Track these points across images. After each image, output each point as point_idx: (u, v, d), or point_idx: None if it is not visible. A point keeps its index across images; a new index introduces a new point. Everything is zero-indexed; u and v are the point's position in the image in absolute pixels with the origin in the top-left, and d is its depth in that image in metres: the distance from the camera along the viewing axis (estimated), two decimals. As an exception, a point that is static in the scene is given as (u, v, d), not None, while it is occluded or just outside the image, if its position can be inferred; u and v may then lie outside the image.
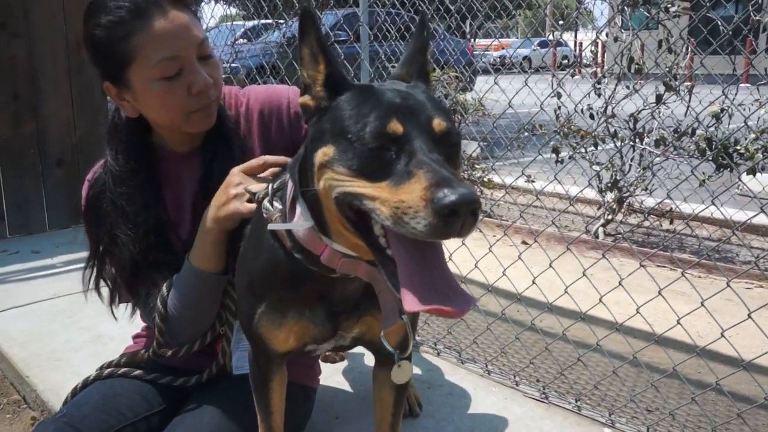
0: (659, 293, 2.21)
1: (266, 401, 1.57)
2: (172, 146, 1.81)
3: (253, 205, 1.54)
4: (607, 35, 4.77)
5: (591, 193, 4.79)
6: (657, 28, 4.16)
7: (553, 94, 3.78)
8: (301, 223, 1.27)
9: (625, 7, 3.88)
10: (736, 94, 3.57)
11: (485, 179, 5.23)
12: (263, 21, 7.49)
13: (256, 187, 1.54)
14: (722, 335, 2.03)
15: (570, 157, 3.84)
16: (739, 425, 2.15)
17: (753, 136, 3.73)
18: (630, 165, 4.51)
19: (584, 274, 2.41)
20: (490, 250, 2.68)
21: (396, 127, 1.06)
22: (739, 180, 3.06)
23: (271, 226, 1.35)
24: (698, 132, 3.95)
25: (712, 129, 3.84)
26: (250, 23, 8.62)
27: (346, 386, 2.45)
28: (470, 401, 2.34)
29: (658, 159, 4.27)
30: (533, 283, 2.55)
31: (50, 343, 2.88)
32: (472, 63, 6.41)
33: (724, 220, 4.21)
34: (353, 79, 1.26)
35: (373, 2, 4.58)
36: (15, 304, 3.34)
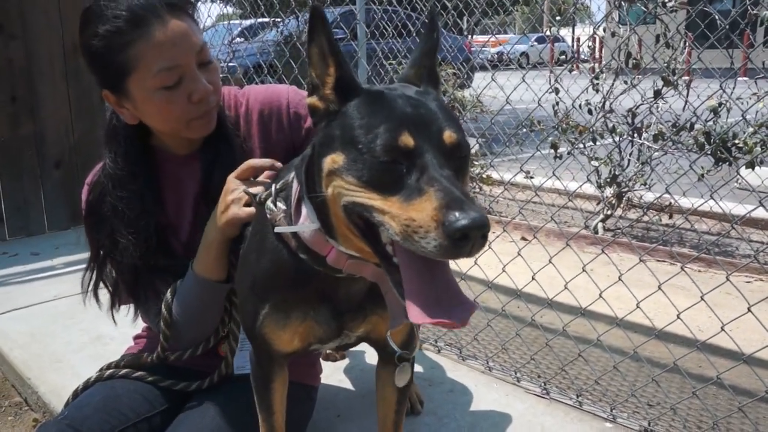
0: (659, 288, 2.21)
1: (268, 401, 1.57)
2: (173, 149, 1.80)
3: (252, 209, 1.54)
4: (604, 30, 4.77)
5: (590, 189, 4.78)
6: (654, 22, 4.16)
7: (551, 90, 3.77)
8: (307, 225, 1.27)
9: (623, 2, 3.88)
10: (734, 88, 3.57)
11: (484, 176, 5.22)
12: (260, 20, 7.47)
13: (255, 189, 1.53)
14: (722, 329, 2.03)
15: (569, 153, 3.85)
16: (740, 419, 2.15)
17: (751, 129, 3.73)
18: (629, 160, 4.51)
19: (584, 270, 2.42)
20: (490, 247, 2.66)
21: (407, 140, 1.05)
22: (738, 174, 3.06)
23: (278, 229, 1.34)
24: (696, 126, 3.95)
25: (711, 123, 3.85)
26: (247, 22, 8.60)
27: (347, 384, 2.45)
28: (471, 398, 2.34)
29: (656, 154, 4.27)
30: (533, 278, 2.55)
31: (51, 344, 2.88)
32: (470, 59, 6.40)
33: (723, 214, 4.22)
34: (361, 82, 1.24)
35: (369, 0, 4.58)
36: (15, 306, 3.34)
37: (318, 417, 2.09)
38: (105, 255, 1.78)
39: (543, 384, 2.40)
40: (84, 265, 1.84)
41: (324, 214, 1.20)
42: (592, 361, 2.53)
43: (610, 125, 4.37)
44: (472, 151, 5.32)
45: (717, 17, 2.28)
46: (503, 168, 3.73)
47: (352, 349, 2.58)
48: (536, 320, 2.61)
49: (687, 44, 4.26)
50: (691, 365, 2.48)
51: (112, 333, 2.85)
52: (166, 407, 1.79)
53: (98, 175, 1.79)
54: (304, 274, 1.35)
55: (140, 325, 2.03)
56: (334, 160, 1.12)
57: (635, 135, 4.34)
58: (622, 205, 4.62)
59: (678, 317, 2.15)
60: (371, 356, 2.54)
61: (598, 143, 4.49)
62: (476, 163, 5.28)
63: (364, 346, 2.24)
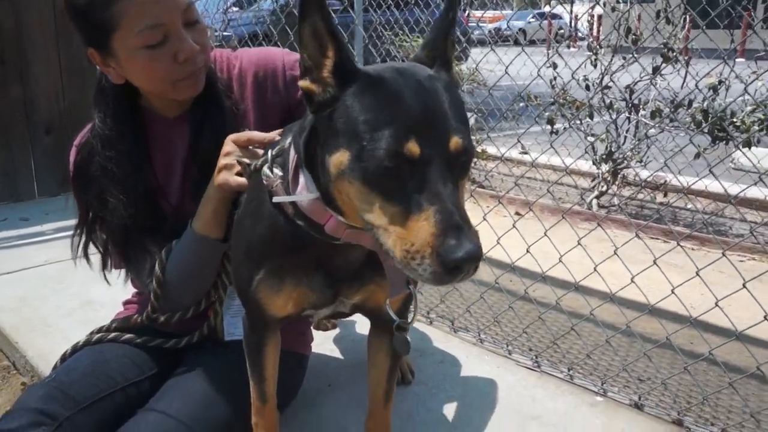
0: (654, 263, 2.20)
1: (260, 367, 1.56)
2: (161, 111, 1.78)
3: (243, 180, 1.52)
4: (604, 5, 4.72)
5: (585, 166, 4.77)
6: (653, 0, 4.12)
7: (548, 65, 3.74)
8: (305, 194, 1.24)
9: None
10: (733, 66, 3.55)
11: (480, 150, 5.20)
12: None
13: (248, 158, 1.51)
14: (716, 305, 2.02)
15: (565, 129, 3.83)
16: (730, 394, 2.15)
17: (749, 108, 3.71)
18: (625, 137, 4.49)
19: (579, 243, 2.40)
20: (485, 219, 2.66)
21: (413, 148, 1.01)
22: (737, 148, 3.04)
23: (276, 199, 1.31)
24: (694, 105, 3.93)
25: (709, 101, 3.82)
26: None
27: (338, 354, 2.45)
28: (462, 369, 2.34)
29: (653, 131, 4.25)
30: (527, 251, 2.54)
31: (40, 309, 2.86)
32: (467, 33, 6.33)
33: (718, 194, 4.22)
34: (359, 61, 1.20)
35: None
36: (4, 271, 3.32)
37: (309, 386, 2.09)
38: (94, 216, 1.75)
39: (534, 357, 2.40)
40: (72, 231, 1.82)
41: (326, 186, 1.16)
42: (584, 336, 2.52)
43: (608, 101, 4.34)
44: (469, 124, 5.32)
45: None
46: (499, 143, 3.70)
47: (343, 319, 2.58)
48: (529, 294, 2.61)
49: (687, 20, 4.23)
50: (683, 341, 2.48)
51: (102, 298, 2.84)
52: (155, 372, 1.78)
53: (86, 136, 1.76)
54: (300, 241, 1.33)
55: (130, 290, 2.01)
56: (340, 160, 1.07)
57: (632, 112, 4.32)
58: (617, 182, 4.61)
59: (672, 292, 2.15)
60: (362, 326, 2.53)
61: (595, 120, 4.46)
62: (472, 137, 5.25)
63: (355, 316, 2.24)
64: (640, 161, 4.43)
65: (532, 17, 20.58)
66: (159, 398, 1.64)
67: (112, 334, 1.81)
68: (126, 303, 2.05)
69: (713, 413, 2.10)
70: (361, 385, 1.77)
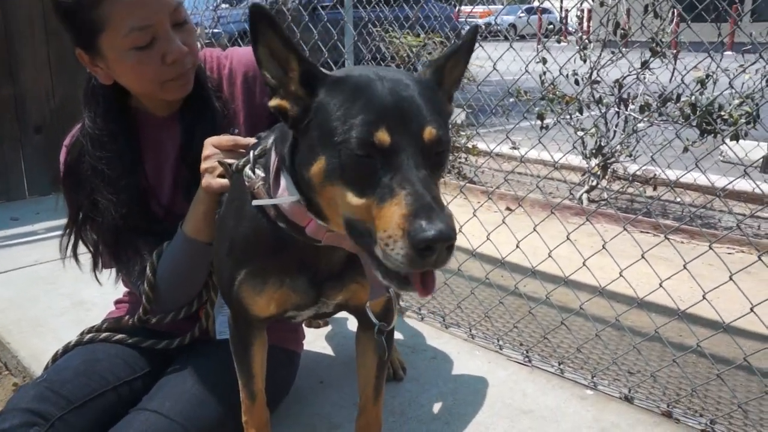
0: (642, 256, 2.22)
1: (247, 365, 1.56)
2: (151, 111, 1.78)
3: (225, 181, 1.52)
4: (593, 0, 4.74)
5: (575, 160, 4.79)
6: (643, -5, 4.13)
7: (538, 60, 3.75)
8: (286, 197, 1.25)
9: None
10: (720, 60, 3.57)
11: (470, 146, 5.21)
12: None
13: (230, 160, 1.51)
14: (704, 297, 2.04)
15: (555, 124, 3.84)
16: (719, 386, 2.18)
17: (737, 101, 3.73)
18: (614, 131, 4.51)
19: (568, 238, 2.42)
20: (474, 215, 2.67)
21: (383, 137, 1.02)
22: (724, 142, 3.06)
23: (255, 202, 1.32)
24: (682, 98, 3.95)
25: (697, 95, 3.84)
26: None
27: (330, 351, 2.46)
28: (454, 365, 2.35)
29: (642, 125, 4.27)
30: (517, 247, 2.55)
31: (31, 309, 2.85)
32: (457, 28, 6.33)
33: (707, 187, 4.24)
34: (327, 60, 1.20)
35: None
36: (-5, 272, 3.31)
37: (300, 383, 2.10)
38: (84, 216, 1.75)
39: (525, 352, 2.41)
40: (62, 231, 1.81)
41: (308, 191, 1.17)
42: (574, 330, 2.54)
43: (597, 96, 4.36)
44: (458, 121, 5.32)
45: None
46: (489, 138, 3.72)
47: (334, 317, 2.59)
48: (519, 289, 2.62)
49: (675, 14, 4.24)
50: (671, 334, 2.50)
51: (93, 298, 2.84)
52: (147, 371, 1.78)
53: (76, 135, 1.76)
54: (282, 242, 1.34)
55: (122, 289, 2.02)
56: (318, 168, 1.08)
57: (621, 106, 4.34)
58: (607, 177, 4.63)
59: (660, 285, 2.16)
60: (354, 323, 2.53)
61: (584, 114, 4.48)
62: (462, 133, 5.26)
63: (346, 313, 2.24)
64: (630, 155, 4.45)
65: (522, 12, 20.60)
66: (151, 397, 1.65)
67: (104, 334, 1.82)
68: (117, 302, 2.05)
69: (702, 404, 2.12)
70: (353, 383, 1.78)
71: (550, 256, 2.43)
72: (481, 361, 2.38)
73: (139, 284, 1.73)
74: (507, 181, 2.94)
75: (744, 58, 3.78)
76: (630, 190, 4.73)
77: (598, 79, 4.27)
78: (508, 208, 4.03)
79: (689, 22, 2.35)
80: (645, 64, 3.98)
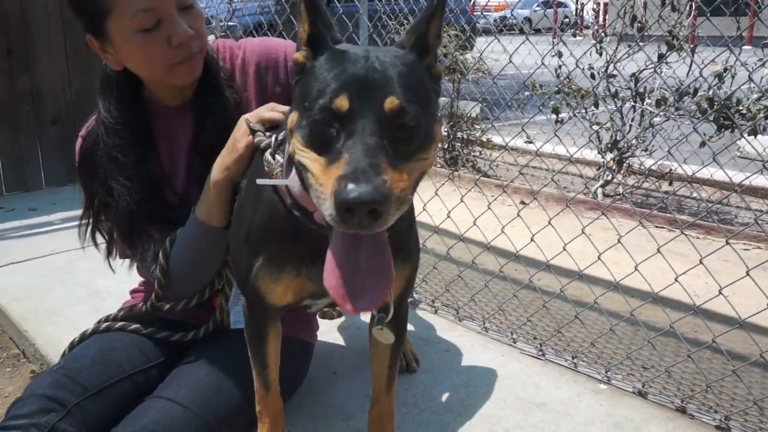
0: (658, 251, 2.20)
1: (262, 355, 1.57)
2: (163, 100, 1.79)
3: (250, 138, 1.54)
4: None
5: (590, 155, 4.76)
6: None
7: (553, 54, 3.73)
8: (288, 179, 1.26)
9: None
10: (739, 53, 3.53)
11: (484, 139, 5.20)
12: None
13: (257, 126, 1.54)
14: (720, 293, 2.03)
15: (570, 118, 3.82)
16: (734, 382, 2.16)
17: (755, 96, 3.69)
18: (630, 125, 4.48)
19: (583, 232, 2.41)
20: (489, 208, 2.67)
21: (342, 103, 1.04)
22: (742, 137, 3.03)
23: (258, 181, 1.34)
24: (700, 93, 3.91)
25: (714, 89, 3.81)
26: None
27: (343, 342, 2.46)
28: (467, 358, 2.35)
29: (658, 119, 4.24)
30: (532, 240, 2.54)
31: (48, 298, 2.88)
32: (472, 21, 6.31)
33: (723, 182, 4.21)
34: (342, 39, 1.23)
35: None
36: (12, 260, 3.34)
37: (314, 374, 2.11)
38: (100, 203, 1.77)
39: (539, 345, 2.41)
40: (79, 220, 1.83)
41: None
42: (588, 324, 2.53)
43: (613, 90, 4.33)
44: (473, 114, 5.31)
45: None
46: (504, 132, 3.70)
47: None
48: (534, 282, 2.62)
49: (693, 7, 4.20)
50: (686, 329, 2.49)
51: (109, 288, 2.86)
52: (162, 360, 1.80)
53: (92, 125, 1.77)
54: (298, 231, 1.34)
55: (137, 279, 2.03)
56: (292, 119, 1.14)
57: (638, 100, 4.31)
58: (622, 171, 4.60)
59: (676, 280, 2.15)
60: (366, 315, 2.54)
61: (600, 108, 4.45)
62: (477, 126, 5.25)
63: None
64: (645, 150, 4.42)
65: (537, 6, 20.48)
66: (166, 385, 1.66)
67: (120, 323, 1.83)
68: (133, 292, 2.07)
69: (716, 401, 2.11)
70: (366, 373, 1.79)
71: (564, 249, 2.43)
72: (495, 354, 2.38)
73: (153, 270, 1.74)
74: (522, 174, 2.93)
75: (763, 52, 3.73)
76: (645, 184, 4.70)
77: (615, 72, 4.23)
78: (522, 202, 4.02)
79: (708, 15, 2.32)
80: (662, 58, 3.94)
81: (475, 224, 2.73)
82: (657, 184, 4.54)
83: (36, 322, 2.66)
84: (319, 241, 1.35)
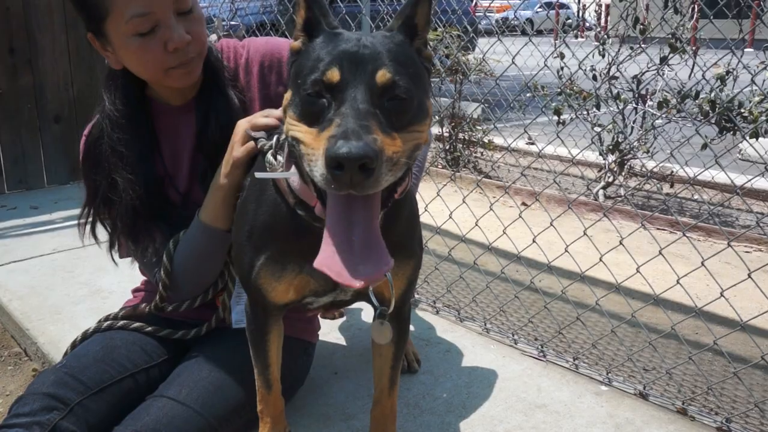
0: (659, 253, 2.21)
1: (263, 353, 1.57)
2: (166, 99, 1.79)
3: (251, 144, 1.54)
4: (612, -5, 4.70)
5: (592, 156, 4.77)
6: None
7: (555, 55, 3.73)
8: (286, 172, 1.28)
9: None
10: (741, 56, 3.53)
11: (486, 140, 5.20)
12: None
13: (258, 133, 1.54)
14: (721, 295, 2.03)
15: (572, 119, 3.82)
16: (735, 384, 2.17)
17: (757, 98, 3.70)
18: (632, 127, 4.48)
19: (585, 233, 2.41)
20: (491, 209, 2.67)
21: (333, 75, 1.07)
22: (744, 139, 3.03)
23: (257, 174, 1.36)
24: (702, 95, 3.91)
25: (716, 91, 3.81)
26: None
27: (344, 342, 2.46)
28: (469, 358, 2.36)
29: (659, 121, 4.24)
30: (533, 241, 2.55)
31: (50, 296, 2.88)
32: (474, 22, 6.32)
33: (724, 185, 4.21)
34: (335, 26, 1.24)
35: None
36: (14, 259, 3.34)
37: (315, 374, 2.11)
38: (102, 197, 1.76)
39: (540, 346, 2.41)
40: (79, 215, 1.83)
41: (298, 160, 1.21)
42: (589, 325, 2.54)
43: (615, 92, 4.33)
44: (475, 115, 5.32)
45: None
46: (506, 133, 3.71)
47: (349, 308, 2.60)
48: (535, 284, 2.62)
49: (695, 9, 4.20)
50: (688, 331, 2.49)
51: (111, 286, 2.87)
52: (164, 359, 1.80)
53: (97, 119, 1.77)
54: (300, 228, 1.35)
55: (138, 278, 2.03)
56: (286, 97, 1.17)
57: (639, 102, 4.31)
58: (623, 173, 4.60)
59: (678, 282, 2.15)
60: (368, 314, 2.55)
61: (602, 110, 4.46)
62: (479, 127, 5.25)
63: (361, 304, 2.25)
64: (647, 152, 4.42)
65: (540, 7, 20.49)
66: (168, 384, 1.66)
67: (122, 322, 1.84)
68: (135, 291, 2.07)
69: (718, 403, 2.11)
70: (367, 374, 1.79)
71: (566, 251, 2.43)
72: (496, 355, 2.38)
73: (155, 272, 1.75)
74: (523, 176, 2.93)
75: (765, 54, 3.74)
76: (647, 186, 4.70)
77: (617, 74, 4.24)
78: (524, 203, 4.02)
79: (711, 17, 2.32)
80: (664, 60, 3.94)
81: (476, 225, 2.73)
82: (658, 186, 4.54)
83: (38, 320, 2.66)
84: (321, 239, 1.35)
